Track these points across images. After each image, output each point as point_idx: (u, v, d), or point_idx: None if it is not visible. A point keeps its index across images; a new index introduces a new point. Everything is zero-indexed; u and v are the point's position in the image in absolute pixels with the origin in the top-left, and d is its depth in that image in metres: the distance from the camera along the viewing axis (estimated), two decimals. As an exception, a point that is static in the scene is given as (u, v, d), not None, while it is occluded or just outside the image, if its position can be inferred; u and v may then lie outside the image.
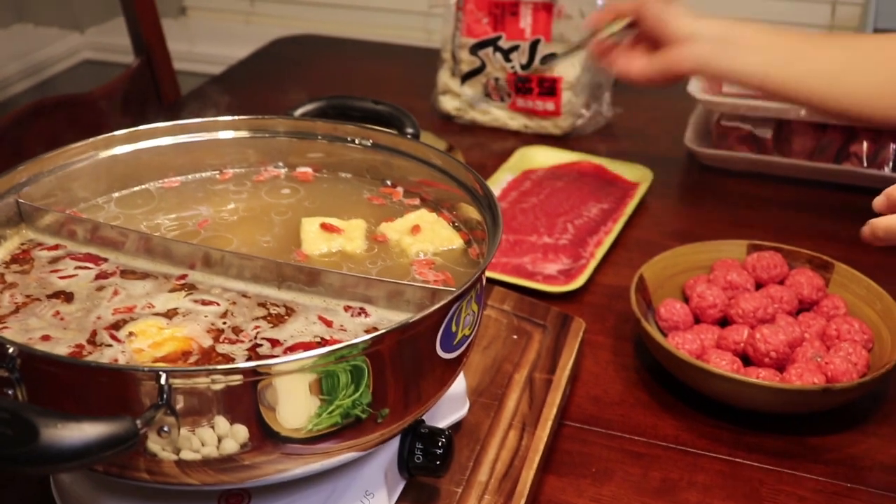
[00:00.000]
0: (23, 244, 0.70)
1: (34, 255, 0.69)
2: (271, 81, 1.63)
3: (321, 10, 2.19)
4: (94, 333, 0.60)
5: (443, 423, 0.73)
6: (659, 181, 1.25)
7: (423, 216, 0.74)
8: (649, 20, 1.07)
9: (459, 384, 0.76)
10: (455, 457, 0.73)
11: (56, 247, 0.70)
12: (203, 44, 2.20)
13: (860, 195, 1.23)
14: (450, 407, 0.76)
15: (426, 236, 0.72)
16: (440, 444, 0.68)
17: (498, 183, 1.21)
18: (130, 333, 0.60)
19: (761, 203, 1.23)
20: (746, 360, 0.87)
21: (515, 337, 0.89)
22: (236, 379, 0.52)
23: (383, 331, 0.55)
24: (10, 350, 0.52)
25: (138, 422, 0.49)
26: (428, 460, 0.68)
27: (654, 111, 1.46)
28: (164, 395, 0.51)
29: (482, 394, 0.82)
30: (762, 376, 0.83)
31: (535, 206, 1.14)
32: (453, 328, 0.61)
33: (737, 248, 0.98)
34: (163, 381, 0.51)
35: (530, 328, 0.91)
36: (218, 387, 0.52)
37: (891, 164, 1.22)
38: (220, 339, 0.60)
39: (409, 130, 0.80)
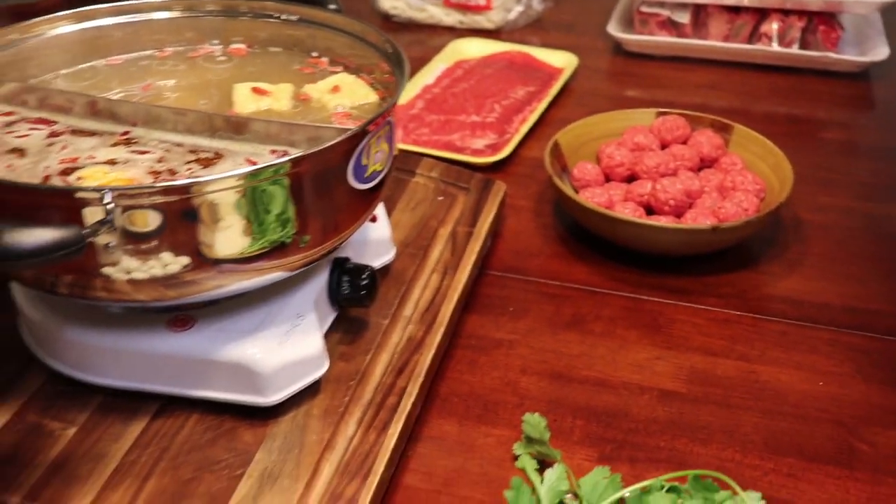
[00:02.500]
0: (-21, 113, 0.78)
1: (-9, 121, 0.77)
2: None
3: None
4: (46, 178, 0.69)
5: (371, 266, 0.82)
6: (584, 67, 1.34)
7: (343, 78, 0.82)
8: None
9: (384, 230, 0.85)
10: (382, 294, 0.83)
11: (10, 113, 0.78)
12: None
13: (771, 73, 1.33)
14: (377, 251, 0.85)
15: (345, 94, 0.80)
16: (364, 276, 0.77)
17: (432, 72, 1.29)
18: (79, 178, 0.69)
19: (680, 84, 1.32)
20: (651, 212, 0.97)
21: (441, 198, 0.98)
22: (173, 198, 0.61)
23: (301, 153, 0.63)
24: (-28, 181, 0.60)
25: (84, 231, 0.58)
26: (354, 291, 0.77)
27: (583, 4, 1.54)
28: (109, 213, 0.59)
29: (409, 245, 0.91)
30: (661, 221, 0.93)
31: (466, 91, 1.23)
32: (364, 161, 0.69)
33: (646, 115, 1.07)
34: (107, 199, 0.59)
35: (455, 191, 1.00)
36: (156, 203, 0.61)
37: (798, 42, 1.31)
38: (158, 180, 0.69)
39: (332, 6, 0.88)
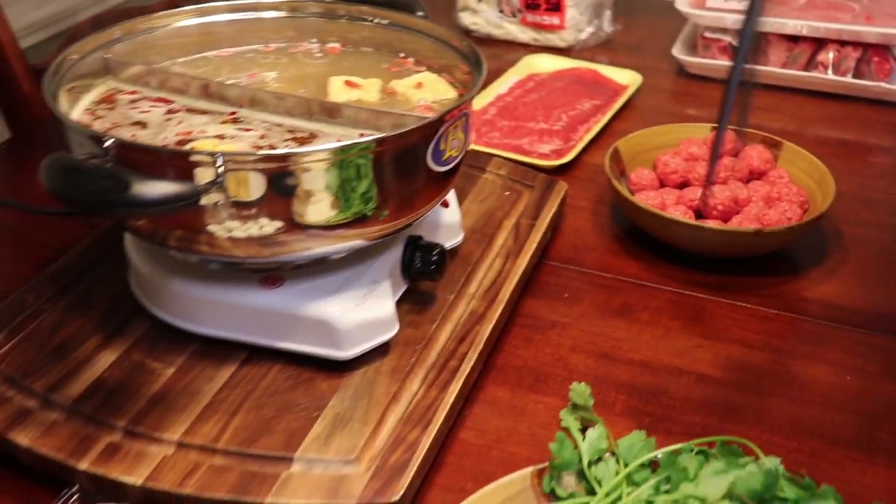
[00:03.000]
0: (108, 91, 0.86)
1: (117, 97, 0.85)
2: None
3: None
4: (164, 147, 0.76)
5: (440, 246, 0.88)
6: (648, 85, 1.38)
7: (427, 76, 0.89)
8: None
9: (454, 215, 0.91)
10: (449, 273, 0.89)
11: (134, 92, 0.86)
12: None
13: (825, 100, 1.37)
14: (447, 234, 0.91)
15: (427, 90, 0.86)
16: (435, 253, 0.84)
17: (506, 82, 1.35)
18: (193, 148, 0.76)
19: (737, 105, 1.36)
20: (700, 216, 1.01)
21: (507, 193, 1.04)
22: (272, 163, 0.68)
23: (386, 134, 0.70)
24: (108, 142, 0.68)
25: (199, 188, 0.65)
26: (424, 265, 0.84)
27: (650, 28, 1.59)
28: (219, 175, 0.67)
29: (476, 232, 0.97)
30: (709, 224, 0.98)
31: (536, 101, 1.29)
32: (442, 146, 0.76)
33: (702, 129, 1.12)
34: (219, 162, 0.66)
35: (521, 188, 1.05)
36: (258, 168, 0.68)
37: (852, 72, 1.34)
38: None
39: (420, 13, 0.95)
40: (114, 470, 0.70)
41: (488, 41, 1.55)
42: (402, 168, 0.74)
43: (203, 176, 0.67)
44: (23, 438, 0.73)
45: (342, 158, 0.70)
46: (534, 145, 1.19)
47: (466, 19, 1.54)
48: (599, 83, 1.36)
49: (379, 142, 0.70)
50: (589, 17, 1.51)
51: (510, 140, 1.19)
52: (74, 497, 0.70)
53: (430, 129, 0.74)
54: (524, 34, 1.51)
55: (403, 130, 0.71)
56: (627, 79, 1.37)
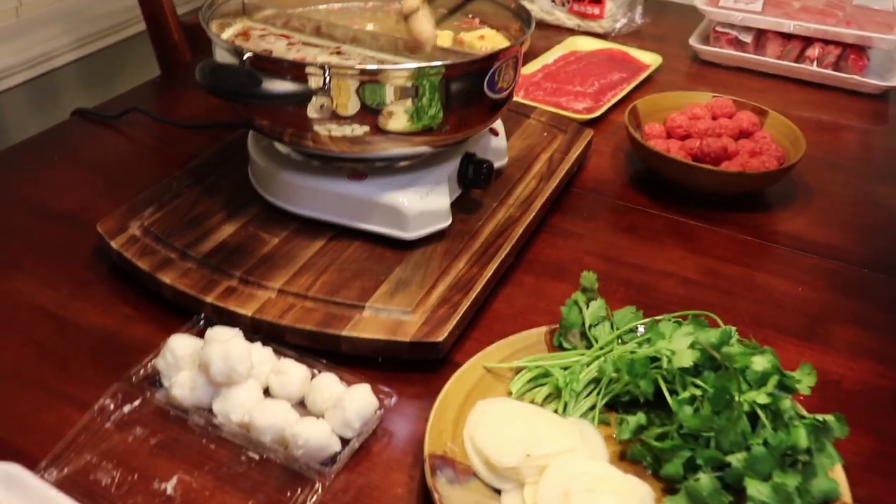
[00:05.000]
0: (244, 27, 0.92)
1: (251, 33, 0.91)
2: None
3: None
4: (285, 59, 0.82)
5: (489, 165, 0.93)
6: (667, 67, 1.41)
7: (488, 31, 0.94)
8: None
9: (501, 142, 0.96)
10: (494, 187, 0.94)
11: (263, 29, 0.92)
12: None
13: (809, 88, 1.38)
14: (495, 156, 0.95)
15: (488, 41, 0.91)
16: (484, 166, 0.89)
17: (552, 55, 1.39)
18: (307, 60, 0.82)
19: (738, 87, 1.38)
20: (697, 160, 1.05)
21: (545, 134, 1.08)
22: (365, 76, 0.74)
23: (453, 61, 0.75)
24: (246, 54, 0.74)
25: (311, 89, 0.71)
26: (475, 175, 0.89)
27: (673, 24, 1.60)
28: (326, 83, 0.72)
29: (518, 160, 1.02)
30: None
31: (574, 70, 1.32)
32: (496, 78, 0.80)
33: (704, 97, 1.15)
34: (326, 72, 0.72)
35: (556, 132, 1.10)
36: (355, 78, 0.73)
37: (833, 66, 1.36)
38: (357, 75, 0.81)
39: (486, -14, 0.99)
40: (231, 304, 0.77)
41: (540, 25, 1.58)
42: (464, 91, 0.79)
43: (314, 82, 0.73)
44: (166, 277, 0.80)
45: (419, 77, 0.75)
46: (570, 103, 1.23)
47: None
48: (627, 61, 1.39)
49: (448, 66, 0.75)
50: (624, 10, 1.53)
51: (551, 98, 1.23)
52: (201, 322, 0.78)
53: (488, 62, 0.79)
54: (570, 21, 1.54)
55: (468, 59, 0.76)
56: (650, 59, 1.40)
